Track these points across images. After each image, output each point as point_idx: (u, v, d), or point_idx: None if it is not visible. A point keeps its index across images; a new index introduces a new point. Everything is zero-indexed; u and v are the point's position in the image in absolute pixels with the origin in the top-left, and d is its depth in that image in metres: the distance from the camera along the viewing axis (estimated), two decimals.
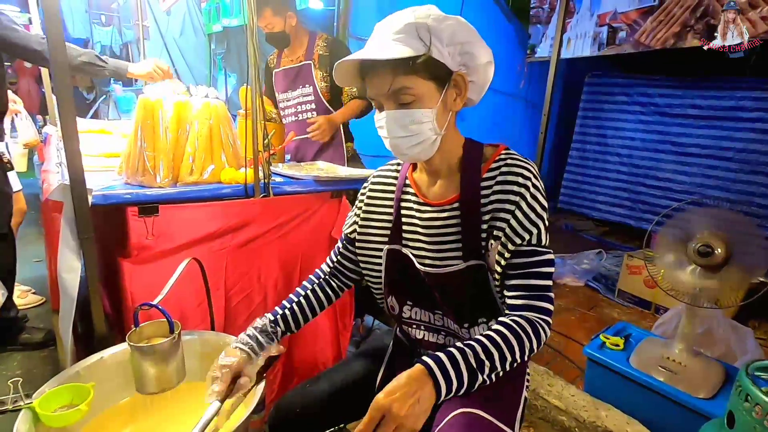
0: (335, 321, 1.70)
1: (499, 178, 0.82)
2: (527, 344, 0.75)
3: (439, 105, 0.81)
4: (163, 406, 1.04)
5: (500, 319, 0.79)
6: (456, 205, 0.86)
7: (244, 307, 1.44)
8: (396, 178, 0.98)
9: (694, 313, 1.61)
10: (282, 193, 1.44)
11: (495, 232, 0.81)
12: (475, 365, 0.71)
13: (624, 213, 4.16)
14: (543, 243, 0.80)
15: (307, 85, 2.17)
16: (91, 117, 5.12)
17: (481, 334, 0.76)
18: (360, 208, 1.03)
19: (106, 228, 1.23)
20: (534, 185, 0.80)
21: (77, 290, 1.09)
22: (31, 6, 2.77)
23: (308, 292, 1.05)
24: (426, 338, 0.98)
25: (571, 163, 4.78)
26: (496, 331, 0.75)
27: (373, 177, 1.03)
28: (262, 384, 0.96)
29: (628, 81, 3.93)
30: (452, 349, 0.73)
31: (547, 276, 0.80)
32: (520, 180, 0.80)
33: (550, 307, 0.79)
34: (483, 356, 0.72)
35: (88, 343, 1.20)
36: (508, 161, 0.83)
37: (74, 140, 1.01)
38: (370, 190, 1.02)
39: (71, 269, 1.07)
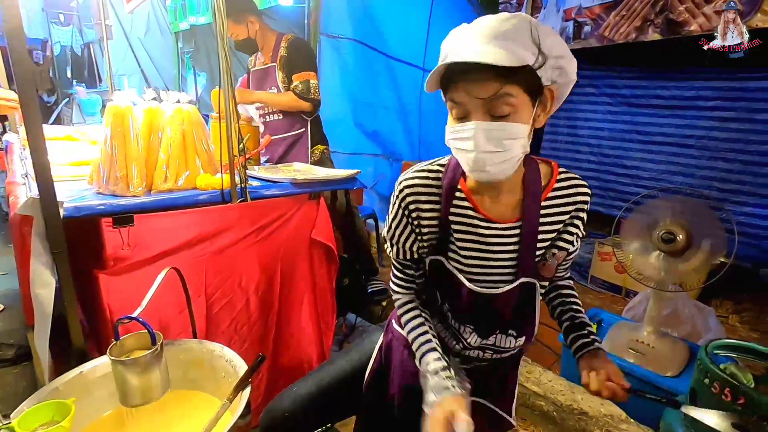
0: (318, 321, 1.71)
1: (562, 201, 0.86)
2: None
3: (531, 121, 0.74)
4: (147, 416, 1.03)
5: (569, 291, 0.99)
6: (518, 224, 0.84)
7: (226, 313, 1.43)
8: (437, 186, 0.86)
9: (661, 297, 1.70)
10: (260, 197, 1.44)
11: (562, 244, 0.88)
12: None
13: (595, 201, 4.27)
14: None
15: (272, 87, 2.16)
16: (54, 121, 4.92)
17: (573, 300, 0.97)
18: (412, 222, 0.88)
19: (80, 240, 1.20)
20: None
21: (52, 306, 1.07)
22: None
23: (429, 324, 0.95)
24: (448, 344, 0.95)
25: (543, 154, 4.89)
26: (575, 297, 0.99)
27: (412, 183, 0.86)
28: (248, 389, 0.97)
29: (595, 73, 4.03)
30: (587, 327, 0.95)
31: None
32: (585, 199, 0.87)
33: None
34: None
35: (64, 358, 1.17)
36: (569, 183, 0.87)
37: (42, 152, 0.99)
38: (416, 201, 0.86)
39: (45, 284, 1.05)
